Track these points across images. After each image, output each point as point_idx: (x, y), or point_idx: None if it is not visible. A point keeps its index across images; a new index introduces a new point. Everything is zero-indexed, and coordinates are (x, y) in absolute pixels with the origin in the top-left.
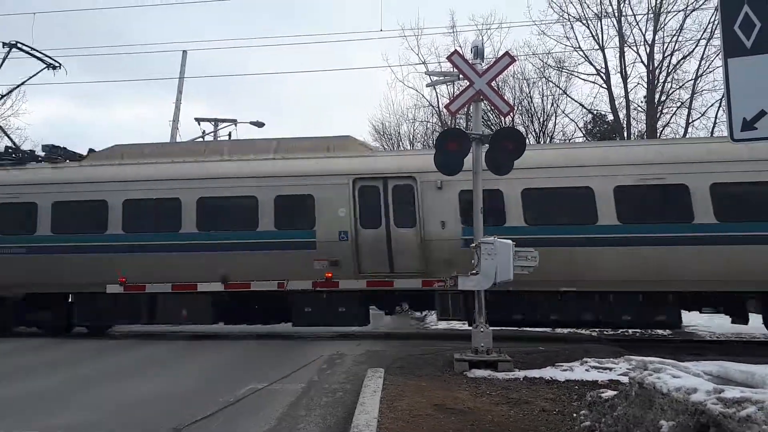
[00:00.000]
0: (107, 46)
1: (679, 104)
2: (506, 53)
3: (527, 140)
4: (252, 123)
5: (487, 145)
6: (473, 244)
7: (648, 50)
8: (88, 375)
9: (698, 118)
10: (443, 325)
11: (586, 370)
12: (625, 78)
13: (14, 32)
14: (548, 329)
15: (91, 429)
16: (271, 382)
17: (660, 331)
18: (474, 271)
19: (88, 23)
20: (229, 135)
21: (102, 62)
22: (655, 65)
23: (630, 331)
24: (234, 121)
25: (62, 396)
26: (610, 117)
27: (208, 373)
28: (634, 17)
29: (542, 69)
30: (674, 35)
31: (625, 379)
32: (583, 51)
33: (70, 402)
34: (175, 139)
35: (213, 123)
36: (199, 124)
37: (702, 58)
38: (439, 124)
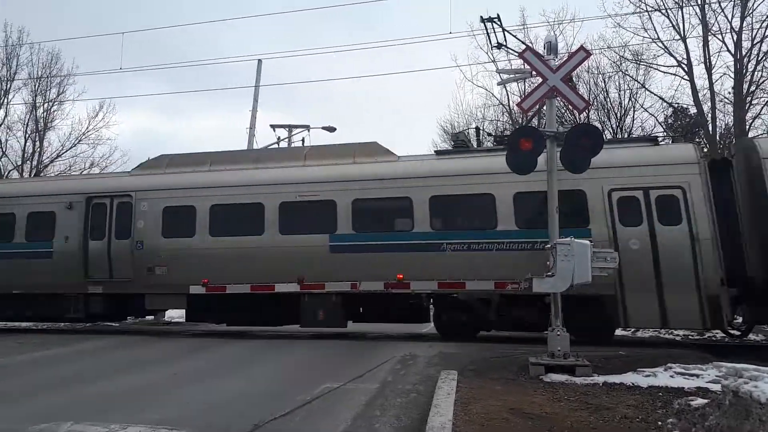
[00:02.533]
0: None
1: None
2: (581, 47)
3: (604, 136)
4: (324, 128)
5: (561, 143)
6: (548, 245)
7: (735, 38)
8: (176, 373)
9: None
10: None
11: (671, 376)
12: (709, 68)
13: (104, 51)
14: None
15: (183, 423)
16: (346, 381)
17: (753, 336)
18: (549, 273)
19: (171, 39)
20: (303, 140)
21: (182, 75)
22: (743, 53)
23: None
24: (307, 127)
25: (155, 393)
26: (693, 110)
27: (285, 373)
28: (719, 3)
29: (618, 62)
30: (764, 20)
31: (714, 387)
32: (662, 42)
33: (162, 398)
34: (252, 146)
35: (287, 129)
36: (274, 131)
37: None
38: (510, 122)
